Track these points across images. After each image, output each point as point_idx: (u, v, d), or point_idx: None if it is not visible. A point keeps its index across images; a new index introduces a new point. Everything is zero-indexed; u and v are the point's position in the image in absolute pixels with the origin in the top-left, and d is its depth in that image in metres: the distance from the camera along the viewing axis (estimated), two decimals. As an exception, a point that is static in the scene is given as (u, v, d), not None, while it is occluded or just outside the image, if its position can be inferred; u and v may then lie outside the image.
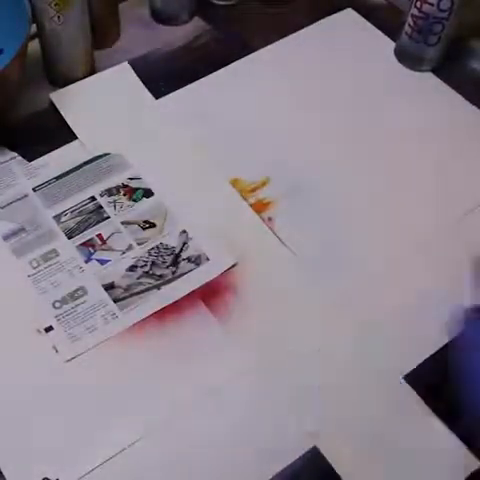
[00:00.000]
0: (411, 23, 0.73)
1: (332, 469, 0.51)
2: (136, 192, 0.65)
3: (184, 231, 0.62)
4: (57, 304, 0.58)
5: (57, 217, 0.63)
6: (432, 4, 0.69)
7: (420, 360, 0.56)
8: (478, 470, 0.51)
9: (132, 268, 0.60)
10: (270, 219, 0.64)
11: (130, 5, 0.81)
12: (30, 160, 0.67)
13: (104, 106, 0.71)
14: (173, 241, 0.62)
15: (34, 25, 0.67)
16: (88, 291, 0.59)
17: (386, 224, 0.64)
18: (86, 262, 0.60)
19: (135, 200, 0.64)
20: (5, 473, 0.50)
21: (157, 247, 0.61)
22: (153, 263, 0.60)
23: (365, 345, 0.57)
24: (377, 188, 0.67)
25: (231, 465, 0.51)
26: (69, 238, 0.62)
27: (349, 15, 0.82)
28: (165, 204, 0.64)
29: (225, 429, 0.53)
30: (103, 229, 0.62)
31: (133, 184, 0.66)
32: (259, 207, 0.65)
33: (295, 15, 0.81)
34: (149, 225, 0.63)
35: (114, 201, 0.64)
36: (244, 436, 0.52)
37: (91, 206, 0.64)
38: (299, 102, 0.73)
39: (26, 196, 0.64)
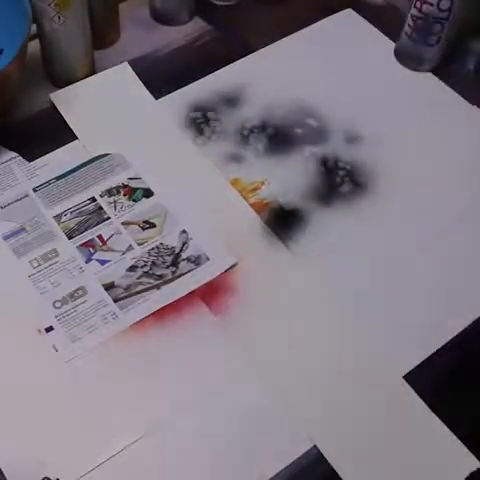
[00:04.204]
0: (411, 23, 0.73)
1: (332, 469, 0.51)
2: (136, 192, 0.65)
3: (184, 231, 0.63)
4: (57, 304, 0.58)
5: (57, 217, 0.63)
6: (432, 4, 0.69)
7: (420, 360, 0.56)
8: (478, 470, 0.51)
9: (132, 268, 0.60)
10: (270, 219, 0.64)
11: (130, 5, 0.81)
12: (30, 160, 0.67)
13: (104, 106, 0.71)
14: (173, 241, 0.62)
15: (34, 25, 0.67)
16: (88, 291, 0.59)
17: (386, 223, 0.64)
18: (86, 262, 0.60)
19: (135, 200, 0.64)
20: (5, 473, 0.50)
21: (157, 247, 0.61)
22: (153, 263, 0.60)
23: (365, 345, 0.57)
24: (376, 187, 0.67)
25: (231, 465, 0.51)
26: (69, 238, 0.62)
27: (349, 15, 0.82)
28: (165, 204, 0.64)
29: (225, 429, 0.53)
30: (103, 230, 0.62)
31: (133, 184, 0.66)
32: (259, 207, 0.65)
33: (295, 15, 0.81)
34: (149, 225, 0.63)
35: (114, 201, 0.64)
36: (244, 436, 0.52)
37: (91, 207, 0.64)
38: (298, 101, 0.73)
39: (26, 196, 0.64)
